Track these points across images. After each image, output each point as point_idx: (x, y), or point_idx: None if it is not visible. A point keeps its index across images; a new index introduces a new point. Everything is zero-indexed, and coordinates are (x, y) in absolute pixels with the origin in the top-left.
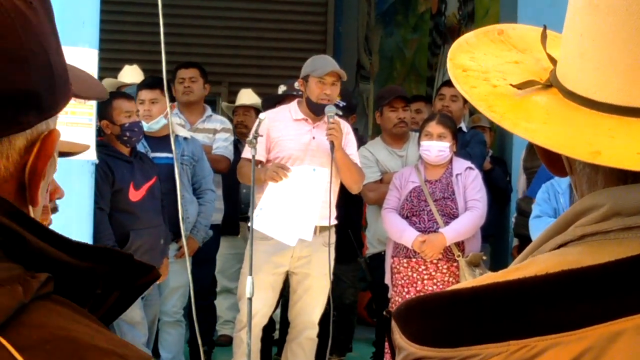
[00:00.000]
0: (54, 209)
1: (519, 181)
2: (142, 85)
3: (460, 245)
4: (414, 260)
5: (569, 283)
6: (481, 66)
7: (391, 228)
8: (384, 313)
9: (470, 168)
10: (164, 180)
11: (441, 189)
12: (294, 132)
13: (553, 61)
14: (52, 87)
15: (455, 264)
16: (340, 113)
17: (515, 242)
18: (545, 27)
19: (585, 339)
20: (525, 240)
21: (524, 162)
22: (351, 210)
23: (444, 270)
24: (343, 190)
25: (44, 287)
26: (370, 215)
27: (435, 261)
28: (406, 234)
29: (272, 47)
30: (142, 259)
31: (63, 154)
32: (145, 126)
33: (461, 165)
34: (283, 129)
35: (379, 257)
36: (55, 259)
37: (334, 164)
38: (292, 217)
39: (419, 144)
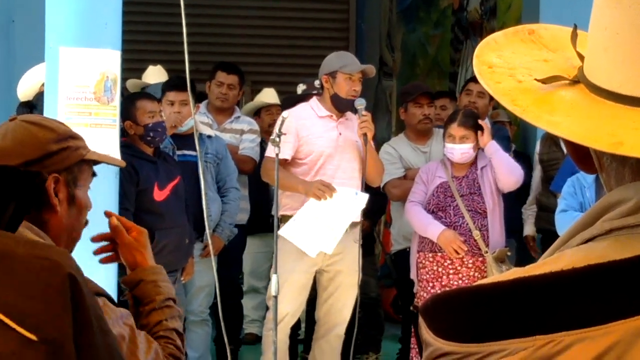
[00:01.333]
0: (85, 223)
1: (533, 174)
2: (170, 86)
3: (486, 240)
4: (439, 254)
5: (595, 278)
6: (508, 63)
7: (416, 222)
8: (411, 308)
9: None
10: (188, 178)
11: (467, 184)
12: (321, 129)
13: (582, 58)
14: None
15: (480, 259)
16: (364, 105)
17: (529, 230)
18: (575, 26)
19: (612, 333)
20: (547, 234)
21: (539, 155)
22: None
23: (470, 265)
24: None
25: None
26: (395, 211)
27: (460, 255)
28: (431, 228)
29: (295, 45)
30: (167, 259)
31: (96, 162)
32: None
33: (485, 158)
34: (311, 126)
35: (404, 254)
36: None
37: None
38: (321, 232)
39: (443, 143)
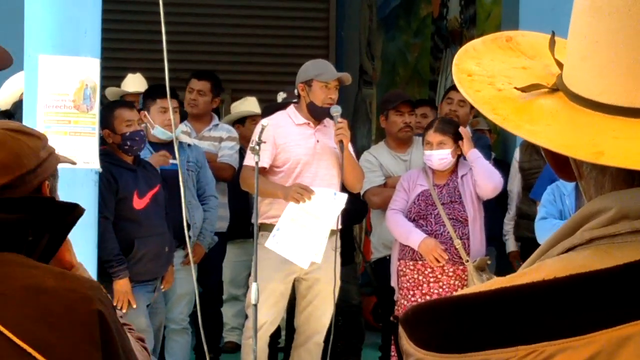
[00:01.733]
0: None
1: (512, 182)
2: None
3: (467, 249)
4: (420, 262)
5: (577, 287)
6: (487, 71)
7: (397, 229)
8: (391, 318)
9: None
10: (170, 186)
11: (448, 192)
12: (298, 137)
13: (561, 66)
14: None
15: (461, 267)
16: (339, 113)
17: (512, 246)
18: (553, 33)
19: (594, 343)
20: (526, 242)
21: (520, 163)
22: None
23: (450, 274)
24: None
25: None
26: (375, 219)
27: (441, 264)
28: (412, 236)
29: (275, 54)
30: (147, 267)
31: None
32: (167, 134)
33: (466, 166)
34: (288, 134)
35: (384, 262)
36: None
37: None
38: (307, 240)
39: (423, 151)
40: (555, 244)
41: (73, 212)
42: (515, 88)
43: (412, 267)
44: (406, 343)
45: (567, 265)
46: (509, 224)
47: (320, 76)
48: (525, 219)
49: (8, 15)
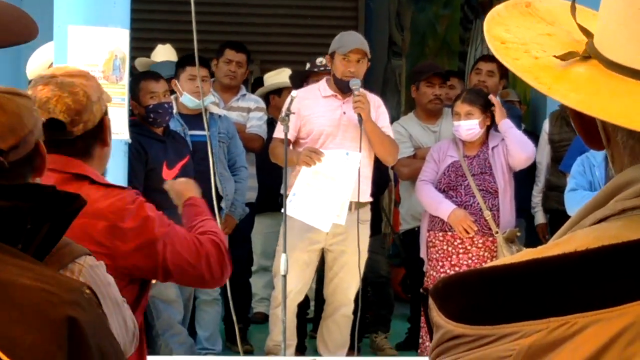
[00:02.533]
0: None
1: (541, 153)
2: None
3: (496, 220)
4: (449, 233)
5: (609, 258)
6: (518, 38)
7: (427, 200)
8: (421, 290)
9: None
10: (200, 158)
11: (479, 164)
12: (324, 108)
13: (586, 33)
14: None
15: (490, 239)
16: (358, 86)
17: (541, 219)
18: (574, 0)
19: (627, 314)
20: (555, 214)
21: (550, 135)
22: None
23: (479, 245)
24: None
25: None
26: (404, 191)
27: (471, 235)
28: (442, 207)
29: (304, 25)
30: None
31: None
32: (195, 102)
33: (497, 138)
34: (314, 106)
35: (413, 233)
36: None
37: (364, 137)
38: (325, 202)
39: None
40: (587, 215)
41: (74, 202)
42: (554, 56)
43: (441, 238)
44: (436, 315)
45: (600, 236)
46: (537, 196)
47: (340, 49)
48: (555, 191)
49: None
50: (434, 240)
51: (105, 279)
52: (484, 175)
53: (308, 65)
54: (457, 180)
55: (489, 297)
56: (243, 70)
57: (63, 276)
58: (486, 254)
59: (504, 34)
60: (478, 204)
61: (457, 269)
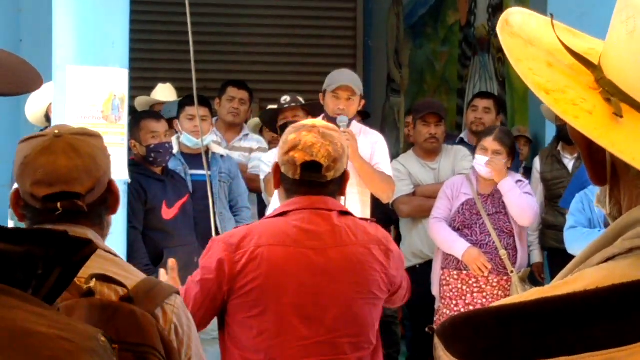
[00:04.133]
0: None
1: (535, 192)
2: (191, 100)
3: (511, 259)
4: (464, 272)
5: (619, 297)
6: (548, 81)
7: (441, 238)
8: (427, 329)
9: (520, 181)
10: (200, 197)
11: (493, 203)
12: None
13: (590, 66)
14: None
15: (505, 278)
16: (346, 123)
17: (538, 257)
18: (552, 16)
19: (638, 354)
20: (554, 252)
21: (541, 174)
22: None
23: (494, 284)
24: (374, 203)
25: None
26: (404, 228)
27: (485, 274)
28: (457, 245)
29: (303, 63)
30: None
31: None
32: (193, 142)
33: (512, 179)
34: None
35: (414, 271)
36: None
37: (355, 174)
38: None
39: (473, 156)
40: (594, 253)
41: (85, 247)
42: (614, 114)
43: (456, 277)
44: (443, 355)
45: (609, 275)
46: (532, 235)
47: (329, 86)
48: (551, 229)
49: (36, 26)
50: (448, 279)
51: (189, 316)
52: (499, 214)
53: (288, 99)
54: (472, 218)
55: (497, 336)
56: (246, 107)
57: (79, 323)
58: (500, 292)
59: (537, 78)
60: (493, 242)
61: (471, 307)
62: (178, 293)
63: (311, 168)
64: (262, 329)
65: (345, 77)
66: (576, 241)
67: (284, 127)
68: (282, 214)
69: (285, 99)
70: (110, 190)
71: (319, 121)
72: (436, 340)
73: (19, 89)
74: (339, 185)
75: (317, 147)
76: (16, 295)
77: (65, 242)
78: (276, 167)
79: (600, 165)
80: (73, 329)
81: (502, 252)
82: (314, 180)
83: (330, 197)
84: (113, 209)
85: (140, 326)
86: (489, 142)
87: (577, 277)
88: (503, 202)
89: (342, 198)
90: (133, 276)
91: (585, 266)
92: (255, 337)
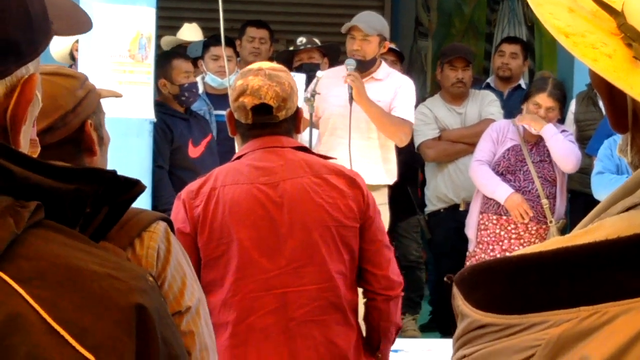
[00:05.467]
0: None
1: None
2: (216, 41)
3: (551, 209)
4: (504, 217)
5: None
6: (569, 26)
7: (483, 182)
8: (445, 279)
9: (565, 130)
10: (225, 137)
11: (538, 151)
12: (339, 88)
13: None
14: (30, 31)
15: (544, 227)
16: (354, 65)
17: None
18: None
19: None
20: (576, 195)
21: (575, 115)
22: (408, 167)
23: (532, 232)
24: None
25: (34, 215)
26: (429, 172)
27: (526, 221)
28: (500, 190)
29: (330, 4)
30: None
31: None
32: (217, 82)
33: (555, 127)
34: (330, 85)
35: (438, 215)
36: (42, 186)
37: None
38: None
39: (522, 103)
40: (615, 203)
41: (134, 187)
42: (635, 57)
43: (495, 221)
44: (462, 304)
45: (630, 224)
46: None
47: (346, 28)
48: (577, 172)
49: None
50: (486, 223)
51: (172, 240)
52: (544, 163)
53: (304, 40)
54: (517, 164)
55: (517, 286)
56: (267, 46)
57: (127, 262)
58: (537, 241)
59: (556, 22)
60: (536, 190)
61: (507, 254)
62: (165, 219)
63: (262, 110)
64: (226, 267)
65: (359, 18)
66: (604, 187)
67: (299, 68)
68: (238, 158)
69: (301, 40)
70: (84, 131)
71: (266, 63)
72: (455, 289)
73: (73, 30)
74: (292, 124)
75: (265, 90)
76: (67, 233)
77: (113, 181)
78: (230, 115)
79: (622, 112)
80: (123, 268)
81: (544, 201)
82: (266, 122)
83: (284, 135)
84: (90, 151)
85: None
86: (543, 99)
87: (597, 226)
88: (547, 151)
89: (299, 136)
90: None
91: (607, 215)
92: (221, 277)
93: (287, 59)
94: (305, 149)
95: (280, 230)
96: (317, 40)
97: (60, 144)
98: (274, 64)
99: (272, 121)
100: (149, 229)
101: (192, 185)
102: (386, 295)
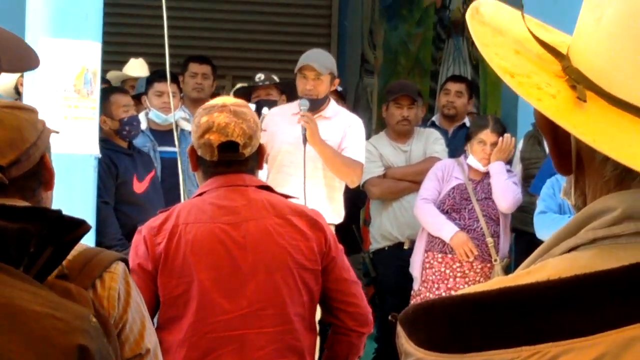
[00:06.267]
0: None
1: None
2: (159, 77)
3: (496, 247)
4: (449, 256)
5: (582, 288)
6: (514, 65)
7: (429, 220)
8: (389, 318)
9: (510, 171)
10: (169, 174)
11: (483, 189)
12: (289, 125)
13: (558, 55)
14: None
15: (488, 265)
16: (307, 106)
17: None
18: (522, 5)
19: (600, 344)
20: (520, 234)
21: (521, 153)
22: (353, 205)
23: (477, 270)
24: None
25: None
26: (374, 210)
27: (471, 260)
28: (445, 228)
29: (277, 41)
30: None
31: None
32: (162, 118)
33: (502, 165)
34: (280, 122)
35: (383, 252)
36: None
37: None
38: None
39: (465, 144)
40: (558, 243)
41: (79, 227)
42: (578, 98)
43: (440, 260)
44: (405, 342)
45: (572, 265)
46: None
47: (297, 66)
48: (520, 212)
49: None
50: (431, 261)
51: (130, 282)
52: (488, 200)
53: (262, 77)
54: (462, 203)
55: (459, 325)
56: (209, 82)
57: (70, 303)
58: (482, 279)
59: (502, 62)
60: (481, 229)
61: (452, 292)
62: (123, 260)
63: (228, 148)
64: (186, 306)
65: (310, 57)
66: (546, 227)
67: (257, 104)
68: (200, 195)
69: (260, 76)
70: (44, 164)
71: (229, 99)
72: (399, 328)
73: (20, 67)
74: (256, 161)
75: (232, 127)
76: (10, 273)
77: (58, 221)
78: (192, 150)
79: (566, 153)
80: (65, 309)
81: (489, 240)
82: (232, 159)
83: (248, 173)
84: (48, 185)
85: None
86: (487, 135)
87: (540, 266)
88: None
89: (259, 172)
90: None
91: (549, 255)
92: (180, 316)
93: (245, 95)
94: (268, 188)
95: (242, 271)
96: (275, 77)
97: (24, 178)
98: (237, 100)
99: (238, 159)
100: (109, 270)
101: (154, 222)
102: (360, 332)
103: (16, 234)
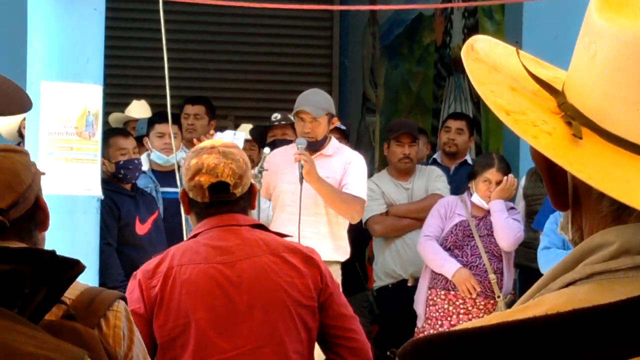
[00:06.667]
0: None
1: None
2: (160, 118)
3: (499, 284)
4: (452, 293)
5: (580, 323)
6: (509, 103)
7: (431, 257)
8: (388, 353)
9: (513, 208)
10: (172, 214)
11: (485, 225)
12: (290, 165)
13: (553, 92)
14: None
15: (492, 302)
16: (304, 145)
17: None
18: (517, 43)
19: None
20: (525, 270)
21: (524, 190)
22: (357, 243)
23: (481, 307)
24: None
25: None
26: (377, 248)
27: (474, 296)
28: (448, 265)
29: (278, 81)
30: None
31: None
32: (163, 159)
33: (503, 203)
34: (281, 162)
35: (386, 290)
36: None
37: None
38: None
39: (469, 182)
40: (555, 278)
41: (73, 268)
42: (574, 135)
43: (443, 297)
44: None
45: (569, 300)
46: None
47: (294, 109)
48: (525, 247)
49: (11, 41)
50: (435, 299)
51: (132, 319)
52: (490, 237)
53: (278, 117)
54: (464, 240)
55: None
56: (203, 122)
57: (65, 344)
58: (485, 316)
59: (497, 99)
60: (484, 265)
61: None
62: (122, 298)
63: (218, 189)
64: (183, 348)
65: (305, 101)
66: (550, 262)
67: (272, 144)
68: (194, 236)
69: (276, 116)
70: (39, 206)
71: (218, 140)
72: None
73: (13, 110)
74: (247, 200)
75: (221, 168)
76: (4, 314)
77: (52, 261)
78: (183, 193)
79: (562, 189)
80: (61, 350)
81: (492, 276)
82: (223, 199)
83: (240, 213)
84: (43, 225)
85: (84, 344)
86: (493, 174)
87: (537, 302)
88: None
89: (252, 212)
90: (73, 288)
91: (547, 290)
92: (178, 358)
93: (261, 135)
94: (261, 227)
95: (238, 310)
96: (291, 117)
97: (22, 220)
98: (226, 141)
99: (229, 199)
100: (112, 308)
101: (149, 265)
102: None
103: (9, 275)
